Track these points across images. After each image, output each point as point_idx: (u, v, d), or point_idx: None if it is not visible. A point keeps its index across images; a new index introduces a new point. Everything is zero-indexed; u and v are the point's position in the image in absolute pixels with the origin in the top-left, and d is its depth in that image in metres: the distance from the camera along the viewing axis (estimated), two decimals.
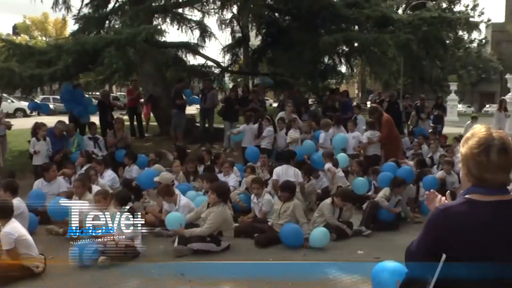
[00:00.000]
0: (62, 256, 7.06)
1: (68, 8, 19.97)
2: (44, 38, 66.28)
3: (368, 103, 23.68)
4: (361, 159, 11.76)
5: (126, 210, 7.28)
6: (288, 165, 10.13)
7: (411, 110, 19.49)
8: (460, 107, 52.92)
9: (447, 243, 2.51)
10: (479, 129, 2.57)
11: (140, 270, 6.71)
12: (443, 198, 2.88)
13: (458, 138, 15.26)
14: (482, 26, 65.12)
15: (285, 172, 9.84)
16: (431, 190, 3.02)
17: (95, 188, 8.73)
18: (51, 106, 27.19)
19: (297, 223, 8.02)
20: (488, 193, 2.51)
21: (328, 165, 11.20)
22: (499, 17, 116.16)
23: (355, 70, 30.76)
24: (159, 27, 17.89)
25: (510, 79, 27.74)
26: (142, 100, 20.06)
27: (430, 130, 18.30)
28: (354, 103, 21.35)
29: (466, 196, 2.55)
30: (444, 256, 2.49)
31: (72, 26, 28.05)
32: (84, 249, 6.80)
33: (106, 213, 7.67)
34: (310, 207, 9.87)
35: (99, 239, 7.17)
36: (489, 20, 71.65)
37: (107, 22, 19.93)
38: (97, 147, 13.17)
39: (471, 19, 25.23)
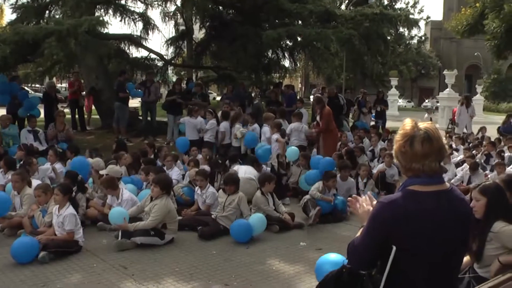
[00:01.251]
0: (1, 252, 6.92)
1: None
2: None
3: (311, 97, 23.95)
4: (308, 153, 11.83)
5: (68, 203, 7.16)
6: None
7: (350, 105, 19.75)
8: (401, 102, 54.24)
9: (396, 235, 2.57)
10: (406, 123, 2.71)
11: (82, 264, 6.62)
12: (366, 201, 3.01)
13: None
14: (422, 23, 66.92)
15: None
16: (353, 195, 3.14)
17: (35, 182, 8.54)
18: None
19: (241, 216, 8.08)
20: (426, 183, 2.61)
21: (276, 135, 11.35)
22: (438, 15, 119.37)
23: (298, 65, 31.00)
24: (101, 18, 17.60)
25: (448, 75, 28.59)
26: (84, 92, 19.71)
27: (371, 124, 18.72)
28: (298, 97, 21.54)
29: (407, 188, 2.65)
30: (394, 248, 2.55)
31: (9, 16, 27.28)
32: (24, 245, 6.66)
33: (46, 207, 7.57)
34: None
35: (40, 234, 7.06)
36: (428, 18, 73.82)
37: (47, 12, 19.47)
38: (37, 140, 12.87)
39: (411, 16, 25.74)
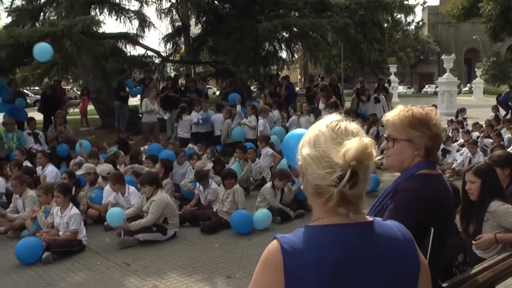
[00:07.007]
0: (5, 254, 6.97)
1: None
2: None
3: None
4: None
5: (70, 203, 7.21)
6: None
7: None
8: (401, 88, 54.10)
9: (432, 216, 2.49)
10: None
11: (86, 263, 6.67)
12: None
13: None
14: (419, 9, 66.76)
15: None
16: None
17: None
18: None
19: (237, 208, 8.11)
20: (433, 168, 2.63)
21: (266, 149, 11.33)
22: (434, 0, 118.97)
23: (296, 56, 30.92)
24: (96, 18, 17.57)
25: (446, 60, 28.49)
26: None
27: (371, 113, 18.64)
28: (297, 88, 21.55)
29: (419, 172, 2.59)
30: (432, 229, 2.45)
31: (5, 19, 27.23)
32: (27, 246, 6.71)
33: (49, 208, 7.61)
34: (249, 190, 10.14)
35: (43, 235, 7.10)
36: (424, 3, 73.61)
37: (41, 14, 19.46)
38: (37, 143, 12.90)
39: (405, 2, 25.65)
